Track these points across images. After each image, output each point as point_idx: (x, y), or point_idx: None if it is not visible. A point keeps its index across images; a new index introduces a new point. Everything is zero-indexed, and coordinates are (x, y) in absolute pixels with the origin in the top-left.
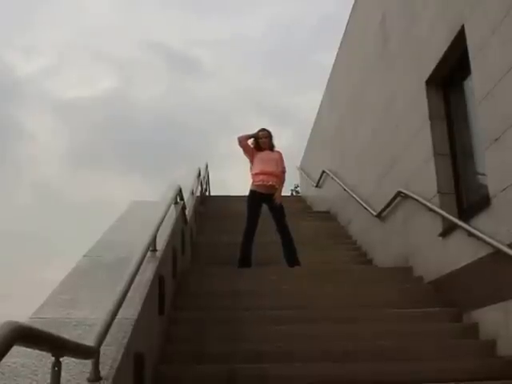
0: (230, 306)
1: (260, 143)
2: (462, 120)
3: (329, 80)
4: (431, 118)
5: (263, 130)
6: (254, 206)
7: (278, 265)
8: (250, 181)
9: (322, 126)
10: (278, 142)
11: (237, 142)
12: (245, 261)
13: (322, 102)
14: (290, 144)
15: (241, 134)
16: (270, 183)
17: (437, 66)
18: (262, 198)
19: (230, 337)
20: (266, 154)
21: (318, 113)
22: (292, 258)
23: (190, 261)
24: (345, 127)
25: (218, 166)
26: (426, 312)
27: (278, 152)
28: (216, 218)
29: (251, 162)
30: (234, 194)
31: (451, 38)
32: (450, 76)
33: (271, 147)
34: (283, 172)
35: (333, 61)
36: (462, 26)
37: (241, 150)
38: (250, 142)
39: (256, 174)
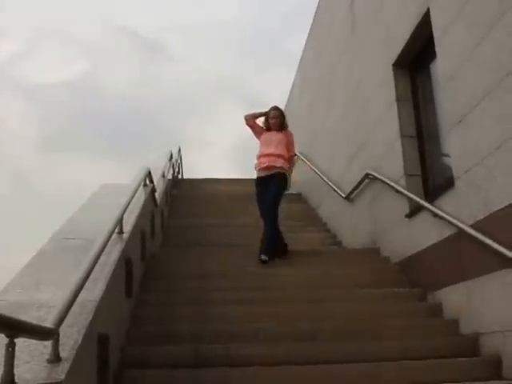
0: (198, 288)
1: (270, 123)
2: (428, 102)
3: (300, 63)
4: (398, 100)
5: (275, 108)
6: (258, 194)
7: (251, 247)
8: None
9: (293, 108)
10: None
11: (244, 122)
12: (265, 251)
13: (293, 84)
14: None
15: (248, 112)
16: (267, 164)
17: (403, 49)
18: (264, 183)
19: (197, 318)
20: (270, 134)
21: (290, 95)
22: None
23: (161, 244)
24: (316, 110)
25: (188, 149)
26: (392, 292)
27: (286, 132)
28: (188, 201)
29: (259, 139)
30: (204, 176)
31: (417, 21)
32: (416, 59)
33: (281, 128)
34: (291, 156)
35: (303, 44)
36: (428, 9)
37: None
38: (261, 120)
39: (257, 158)
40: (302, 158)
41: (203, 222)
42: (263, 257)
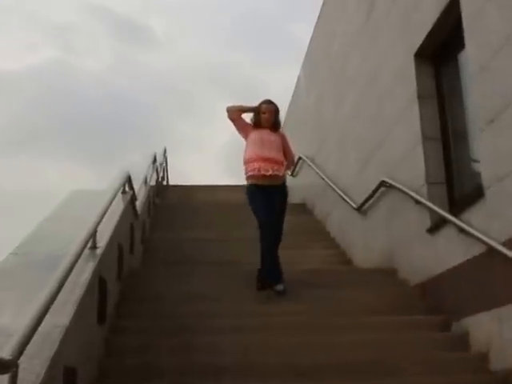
0: (185, 313)
1: (261, 119)
2: (455, 99)
3: (306, 54)
4: (420, 96)
5: (269, 102)
6: (258, 203)
7: (249, 265)
8: (243, 172)
9: (298, 105)
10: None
11: (226, 114)
12: (263, 280)
13: (298, 78)
14: None
15: (231, 104)
16: (271, 173)
17: (427, 38)
18: (266, 192)
19: (183, 348)
20: (262, 133)
21: (295, 91)
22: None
23: (142, 261)
24: (324, 107)
25: (174, 151)
26: (410, 320)
27: (282, 135)
28: (175, 211)
29: (245, 138)
30: (193, 183)
31: (443, 5)
32: (441, 48)
33: (275, 126)
34: (292, 161)
35: (311, 31)
36: None
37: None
38: (249, 116)
39: (249, 160)
40: (307, 161)
41: (192, 235)
42: (279, 287)
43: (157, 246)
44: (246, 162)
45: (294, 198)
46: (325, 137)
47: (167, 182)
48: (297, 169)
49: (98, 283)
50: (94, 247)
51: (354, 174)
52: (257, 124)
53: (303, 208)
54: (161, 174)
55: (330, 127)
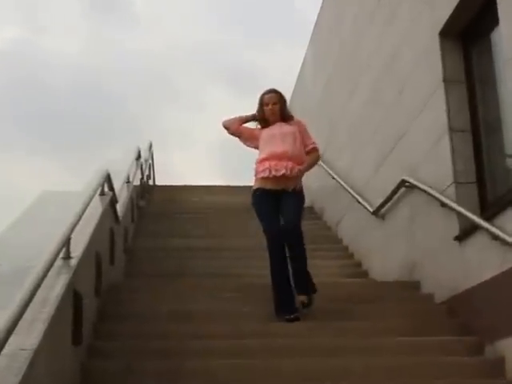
0: (171, 334)
1: (266, 113)
2: (488, 84)
3: (313, 33)
4: (446, 80)
5: (270, 91)
6: (266, 213)
7: (250, 277)
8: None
9: (303, 93)
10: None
11: (225, 131)
12: (282, 307)
13: (303, 62)
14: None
15: (226, 118)
16: (283, 172)
17: (454, 13)
18: (274, 197)
19: (171, 375)
20: (274, 128)
21: (299, 77)
22: (303, 285)
23: (124, 272)
24: (334, 95)
25: (160, 146)
26: (435, 342)
27: (298, 122)
28: (162, 216)
29: (258, 147)
30: (183, 182)
31: None
32: (471, 26)
33: (285, 117)
34: (313, 150)
35: (318, 6)
36: None
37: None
38: (249, 123)
39: (260, 160)
40: None
41: (181, 244)
42: (292, 316)
43: (141, 255)
44: (257, 162)
45: None
46: (335, 129)
47: (153, 181)
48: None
49: (73, 298)
50: (67, 257)
51: (370, 173)
52: (263, 121)
53: (310, 212)
54: (146, 173)
55: (340, 118)
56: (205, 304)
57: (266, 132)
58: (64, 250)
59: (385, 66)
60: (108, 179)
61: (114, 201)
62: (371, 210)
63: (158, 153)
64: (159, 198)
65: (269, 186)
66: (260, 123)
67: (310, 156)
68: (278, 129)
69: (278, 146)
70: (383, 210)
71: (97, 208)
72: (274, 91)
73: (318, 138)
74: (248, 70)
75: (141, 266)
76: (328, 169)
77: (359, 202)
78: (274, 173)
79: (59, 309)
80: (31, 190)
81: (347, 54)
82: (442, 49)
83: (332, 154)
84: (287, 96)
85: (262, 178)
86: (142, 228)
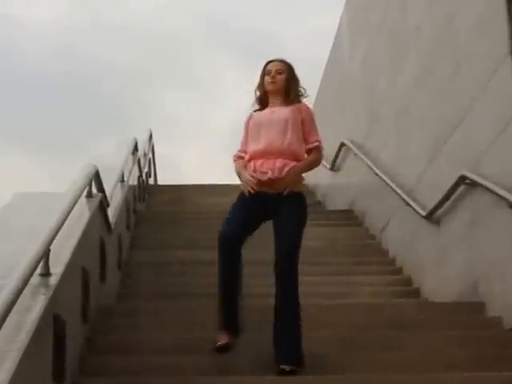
0: (175, 369)
1: (266, 85)
2: None
3: None
4: None
5: (276, 59)
6: (239, 213)
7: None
8: None
9: (338, 70)
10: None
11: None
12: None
13: (338, 32)
14: None
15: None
16: (270, 175)
17: None
18: (259, 205)
19: None
20: (266, 112)
21: (332, 51)
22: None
23: (117, 292)
24: (375, 72)
25: (161, 136)
26: (507, 379)
27: (302, 107)
28: (164, 222)
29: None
30: (190, 181)
31: None
32: None
33: (290, 96)
34: (315, 149)
35: None
36: None
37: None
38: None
39: (248, 155)
40: (353, 149)
41: (190, 256)
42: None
43: (139, 271)
44: (243, 158)
45: (335, 201)
46: (377, 114)
47: (155, 180)
48: (338, 160)
49: (53, 325)
50: (46, 274)
51: (421, 167)
52: (260, 102)
53: (348, 216)
54: (145, 170)
55: (384, 100)
56: (212, 331)
57: (254, 119)
58: (42, 264)
59: (437, 36)
60: (97, 177)
61: (104, 204)
62: (423, 214)
63: (159, 145)
64: (161, 201)
65: (259, 188)
66: (257, 100)
67: (310, 156)
68: (268, 114)
69: (262, 138)
70: (438, 213)
71: (82, 213)
72: (281, 61)
73: (356, 125)
74: (266, 38)
75: (138, 284)
76: (370, 163)
77: (408, 204)
78: (258, 176)
79: (36, 337)
80: (2, 191)
81: (391, 21)
82: (510, 14)
83: (374, 145)
84: (318, 74)
85: (254, 179)
86: (140, 237)
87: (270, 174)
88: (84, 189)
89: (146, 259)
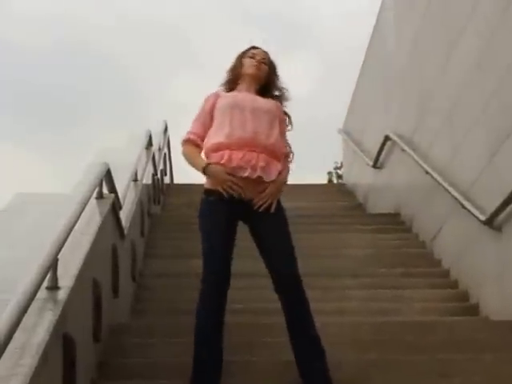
0: None
1: (247, 71)
2: None
3: None
4: None
5: (260, 48)
6: (217, 230)
7: None
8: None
9: (381, 54)
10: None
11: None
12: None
13: (380, 13)
14: (309, 87)
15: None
16: (258, 173)
17: None
18: (237, 210)
19: None
20: (243, 94)
21: (375, 32)
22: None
23: (132, 308)
24: (426, 55)
25: (175, 124)
26: None
27: (279, 106)
28: (183, 227)
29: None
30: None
31: None
32: None
33: (271, 92)
34: (287, 154)
35: None
36: None
37: None
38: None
39: (214, 147)
40: (400, 144)
41: None
42: None
43: (154, 283)
44: (208, 149)
45: (378, 204)
46: (427, 104)
47: (171, 178)
48: (381, 156)
49: (63, 346)
50: (54, 287)
51: (480, 164)
52: (232, 83)
53: (394, 221)
54: (160, 166)
55: (436, 88)
56: (245, 356)
57: (227, 98)
58: (49, 277)
59: (500, 11)
60: (108, 176)
61: (116, 207)
62: (483, 219)
63: (176, 138)
64: (178, 202)
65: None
66: (227, 83)
67: (286, 163)
68: (249, 98)
69: (247, 123)
70: (500, 218)
71: (93, 216)
72: (265, 51)
73: (403, 116)
74: (294, 18)
75: (154, 298)
76: (419, 160)
77: (464, 207)
78: (239, 172)
79: (44, 360)
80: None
81: None
82: None
83: (424, 139)
84: (356, 61)
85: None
86: (156, 244)
87: (248, 172)
88: (95, 189)
89: (162, 270)
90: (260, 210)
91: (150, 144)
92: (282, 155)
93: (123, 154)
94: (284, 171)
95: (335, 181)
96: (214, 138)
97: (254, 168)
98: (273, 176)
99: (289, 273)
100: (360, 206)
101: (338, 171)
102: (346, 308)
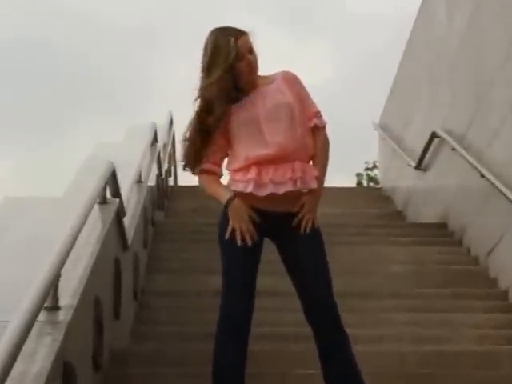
0: None
1: (243, 74)
2: None
3: None
4: None
5: (237, 31)
6: (239, 257)
7: None
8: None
9: (430, 37)
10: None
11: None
12: None
13: None
14: (333, 75)
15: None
16: (290, 188)
17: None
18: (261, 228)
19: None
20: (250, 100)
21: (422, 10)
22: None
23: (133, 330)
24: (485, 35)
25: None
26: None
27: (283, 76)
28: (192, 237)
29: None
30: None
31: None
32: None
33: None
34: (316, 127)
35: None
36: None
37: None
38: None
39: (239, 167)
40: (450, 142)
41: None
42: None
43: (159, 303)
44: (234, 172)
45: (421, 212)
46: (485, 97)
47: (175, 180)
48: (427, 156)
49: (62, 375)
50: (54, 307)
51: None
52: (233, 92)
53: (441, 232)
54: (165, 167)
55: (495, 79)
56: None
57: (238, 113)
58: (50, 296)
59: None
60: (112, 178)
61: (120, 214)
62: None
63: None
64: (185, 208)
65: (258, 204)
66: (227, 98)
67: (318, 139)
68: (260, 101)
69: (267, 138)
70: None
71: (95, 225)
72: (241, 31)
73: (455, 110)
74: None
75: (158, 320)
76: (474, 162)
77: None
78: (271, 189)
79: None
80: None
81: None
82: None
83: (480, 137)
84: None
85: (246, 196)
86: (160, 257)
87: (290, 186)
88: (99, 193)
89: (167, 287)
90: (301, 232)
91: (155, 140)
92: (309, 147)
93: (125, 151)
94: (321, 169)
95: (365, 183)
96: (238, 161)
97: (293, 180)
98: (310, 185)
99: (322, 300)
100: (399, 213)
101: (370, 172)
102: (386, 335)
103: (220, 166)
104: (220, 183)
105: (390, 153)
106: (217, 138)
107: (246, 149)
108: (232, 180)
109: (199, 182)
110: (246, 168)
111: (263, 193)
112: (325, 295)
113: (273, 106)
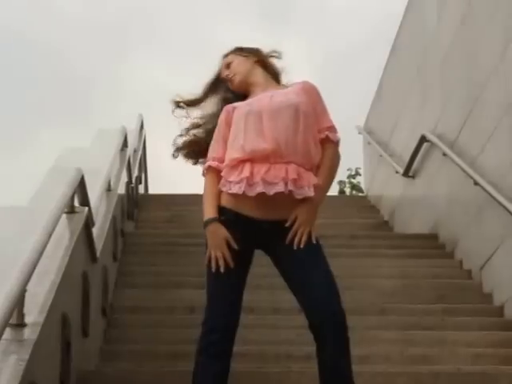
0: None
1: (229, 87)
2: None
3: None
4: None
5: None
6: (221, 277)
7: None
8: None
9: (419, 34)
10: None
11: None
12: None
13: None
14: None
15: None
16: (280, 188)
17: None
18: (251, 238)
19: None
20: (259, 96)
21: (410, 5)
22: None
23: (101, 349)
24: (479, 31)
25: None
26: None
27: (303, 84)
28: (164, 249)
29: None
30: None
31: None
32: None
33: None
34: (327, 139)
35: None
36: None
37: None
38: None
39: (231, 162)
40: (441, 147)
41: (199, 301)
42: None
43: (128, 320)
44: (227, 170)
45: (409, 222)
46: (479, 98)
47: (145, 187)
48: (416, 162)
49: None
50: (19, 325)
51: None
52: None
53: (431, 244)
54: (135, 173)
55: (490, 77)
56: None
57: (242, 108)
58: (15, 313)
59: None
60: (81, 186)
61: (89, 224)
62: None
63: (154, 136)
64: (155, 217)
65: (248, 210)
66: (222, 98)
67: (327, 152)
68: (267, 98)
69: (266, 132)
70: None
71: (63, 236)
72: (227, 55)
73: (446, 113)
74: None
75: (127, 339)
76: (467, 168)
77: None
78: (261, 188)
79: None
80: None
81: None
82: None
83: (473, 141)
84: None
85: (235, 198)
86: (130, 271)
87: (281, 187)
88: (67, 202)
89: (138, 302)
90: (295, 247)
91: (125, 145)
92: (318, 158)
93: (93, 156)
94: (324, 179)
95: (348, 192)
96: (232, 152)
97: (285, 181)
98: (306, 191)
99: (330, 312)
100: (385, 224)
101: (353, 180)
102: (373, 354)
103: (224, 161)
104: (213, 195)
105: (376, 158)
106: (226, 133)
107: (243, 140)
108: (225, 180)
109: (204, 182)
110: (239, 165)
111: (253, 192)
112: (332, 301)
113: (279, 103)
